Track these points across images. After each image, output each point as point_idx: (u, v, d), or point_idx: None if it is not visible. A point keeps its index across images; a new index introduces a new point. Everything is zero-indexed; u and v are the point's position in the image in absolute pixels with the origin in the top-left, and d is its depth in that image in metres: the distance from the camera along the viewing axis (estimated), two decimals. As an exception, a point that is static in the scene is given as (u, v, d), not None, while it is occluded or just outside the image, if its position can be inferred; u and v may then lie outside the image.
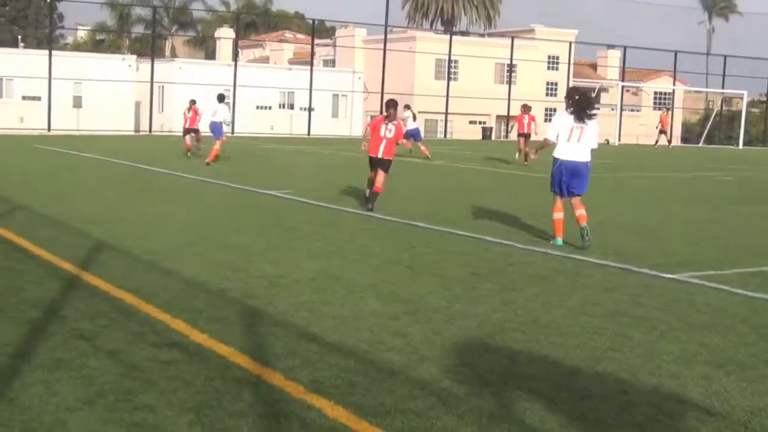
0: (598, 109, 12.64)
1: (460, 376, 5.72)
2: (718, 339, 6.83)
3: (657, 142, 53.57)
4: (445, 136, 57.09)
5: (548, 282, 8.90)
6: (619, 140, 55.94)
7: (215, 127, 25.41)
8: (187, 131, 27.53)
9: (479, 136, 57.14)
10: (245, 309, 7.35)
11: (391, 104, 14.85)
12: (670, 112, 57.11)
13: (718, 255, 11.00)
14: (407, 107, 34.32)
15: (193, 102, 28.35)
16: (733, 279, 9.35)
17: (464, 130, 60.40)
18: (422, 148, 30.26)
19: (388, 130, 14.58)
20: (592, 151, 11.65)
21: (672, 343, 6.66)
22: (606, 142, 59.92)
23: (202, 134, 27.67)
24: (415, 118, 33.74)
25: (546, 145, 12.22)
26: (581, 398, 5.39)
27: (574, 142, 11.43)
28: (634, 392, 5.53)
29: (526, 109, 29.42)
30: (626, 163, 32.23)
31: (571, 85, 66.86)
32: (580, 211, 11.48)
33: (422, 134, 35.54)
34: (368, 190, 14.75)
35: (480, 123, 62.15)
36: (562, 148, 11.52)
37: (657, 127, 53.84)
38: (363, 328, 6.82)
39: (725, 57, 68.76)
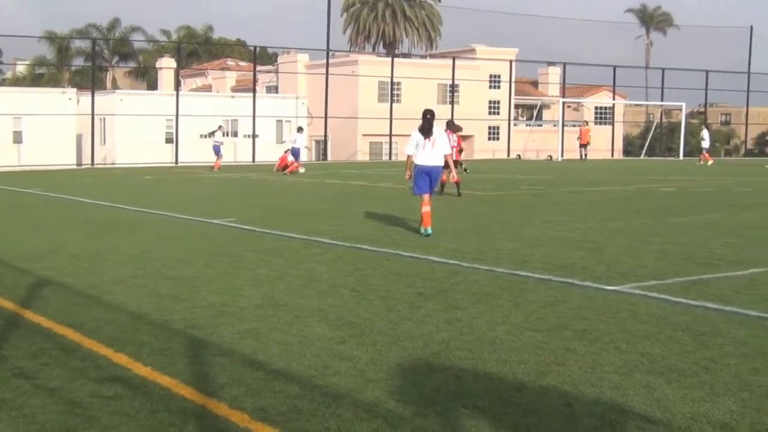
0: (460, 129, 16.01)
1: (406, 397, 5.74)
2: (660, 348, 6.93)
3: (585, 156, 54.08)
4: (390, 158, 57.23)
5: (493, 299, 8.96)
6: (562, 155, 56.51)
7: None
8: None
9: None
10: (190, 339, 7.32)
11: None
12: (589, 126, 57.69)
13: (660, 265, 11.16)
14: (300, 129, 40.58)
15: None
16: (674, 288, 9.49)
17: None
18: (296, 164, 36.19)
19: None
20: (445, 155, 14.84)
21: (614, 354, 6.74)
22: (549, 158, 60.55)
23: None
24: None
25: (410, 161, 14.77)
26: (526, 413, 5.44)
27: (428, 150, 14.50)
28: (578, 404, 5.59)
29: (453, 128, 24.11)
30: (569, 178, 32.59)
31: (513, 102, 67.58)
32: (427, 208, 14.35)
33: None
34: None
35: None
36: (421, 157, 14.50)
37: (578, 139, 54.48)
38: (309, 353, 6.82)
39: (663, 70, 69.88)
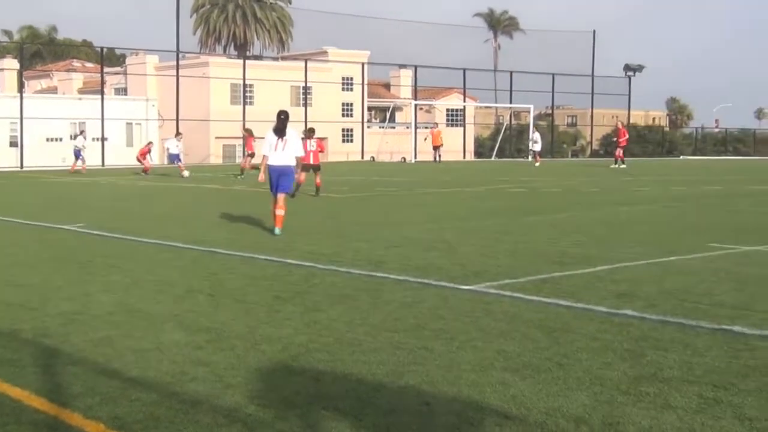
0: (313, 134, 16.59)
1: (266, 401, 5.70)
2: (514, 345, 7.08)
3: (438, 157, 54.76)
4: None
5: (351, 301, 8.98)
6: (415, 158, 57.20)
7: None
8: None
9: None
10: (40, 349, 7.07)
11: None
12: (440, 128, 58.62)
13: (512, 264, 11.40)
14: (179, 134, 41.47)
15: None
16: (526, 286, 9.71)
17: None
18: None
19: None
20: (297, 157, 15.29)
21: (470, 353, 6.85)
22: (403, 160, 61.18)
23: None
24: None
25: (265, 161, 15.18)
26: (385, 413, 5.47)
27: (280, 151, 14.95)
28: (436, 403, 5.65)
29: (310, 133, 25.08)
30: (423, 180, 33.01)
31: (365, 104, 67.96)
32: (280, 212, 14.83)
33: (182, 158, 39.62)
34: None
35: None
36: (273, 157, 14.98)
37: (425, 140, 55.29)
38: (165, 359, 6.69)
39: (511, 73, 71.57)
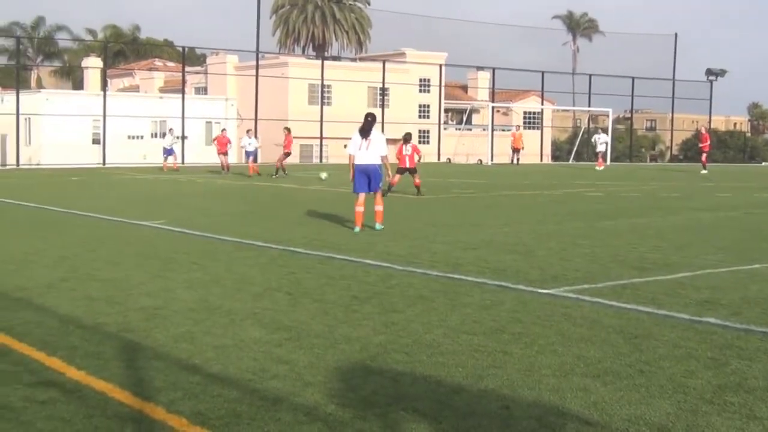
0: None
1: (345, 400, 5.72)
2: (595, 350, 7.00)
3: (517, 160, 54.35)
4: (321, 160, 57.14)
5: (428, 302, 8.98)
6: (492, 160, 56.94)
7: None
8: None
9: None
10: (123, 343, 7.20)
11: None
12: (522, 131, 58.05)
13: (591, 269, 11.29)
14: (249, 131, 41.60)
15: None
16: (605, 291, 9.61)
17: (340, 155, 60.57)
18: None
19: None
20: (382, 156, 15.78)
21: (550, 357, 6.80)
22: (479, 162, 61.00)
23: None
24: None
25: (352, 161, 15.68)
26: (464, 416, 5.45)
27: (364, 150, 15.56)
28: (516, 407, 5.62)
29: (407, 138, 26.00)
30: (499, 182, 32.84)
31: (442, 106, 67.92)
32: (379, 207, 15.84)
33: (258, 157, 40.86)
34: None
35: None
36: (359, 156, 15.60)
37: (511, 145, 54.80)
38: (245, 356, 6.76)
39: (590, 76, 70.82)
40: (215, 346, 7.06)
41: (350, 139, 15.86)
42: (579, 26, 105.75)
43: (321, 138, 57.19)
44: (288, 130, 36.60)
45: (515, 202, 23.44)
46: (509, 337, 7.44)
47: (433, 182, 31.69)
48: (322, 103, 58.48)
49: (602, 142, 47.29)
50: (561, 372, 6.39)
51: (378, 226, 15.63)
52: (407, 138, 26.02)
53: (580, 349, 7.06)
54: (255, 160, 37.78)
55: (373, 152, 15.69)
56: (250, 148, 38.01)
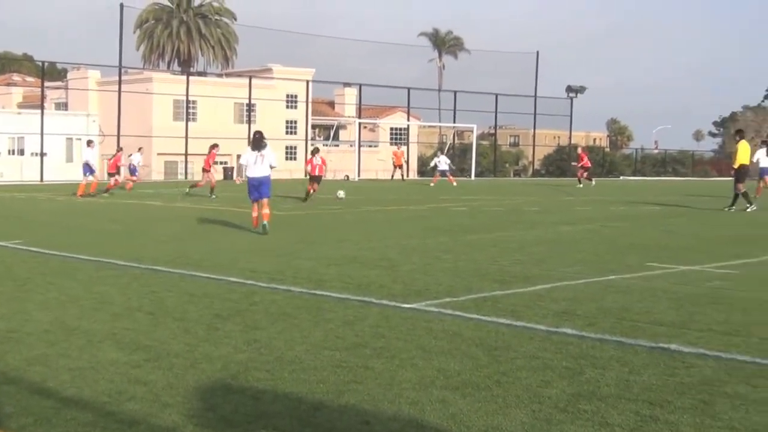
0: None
1: (204, 420, 5.65)
2: (454, 363, 7.10)
3: (393, 176, 55.31)
4: (186, 177, 56.40)
5: (291, 319, 8.95)
6: (359, 176, 57.25)
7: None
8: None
9: (221, 176, 56.89)
10: (-27, 368, 6.94)
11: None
12: (403, 149, 58.86)
13: (453, 282, 11.44)
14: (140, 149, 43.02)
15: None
16: (467, 305, 9.75)
17: (206, 171, 59.93)
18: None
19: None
20: (272, 168, 18.57)
21: (411, 371, 6.85)
22: (346, 178, 61.20)
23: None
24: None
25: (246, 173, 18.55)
26: (325, 432, 5.45)
27: (259, 165, 18.31)
28: (376, 422, 5.65)
29: (315, 151, 31.91)
30: (366, 198, 33.03)
31: (309, 122, 67.91)
32: (266, 210, 18.23)
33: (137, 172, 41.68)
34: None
35: (221, 163, 61.92)
36: (251, 170, 18.37)
37: (392, 162, 55.72)
38: (102, 378, 6.60)
39: (455, 92, 72.05)
40: (70, 369, 6.88)
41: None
42: (445, 44, 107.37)
43: (186, 154, 56.49)
44: (213, 146, 35.06)
45: (380, 218, 23.61)
46: (371, 352, 7.47)
47: (299, 198, 31.66)
48: (188, 120, 57.82)
49: (444, 162, 48.56)
50: (421, 385, 6.45)
51: (266, 223, 17.89)
52: (315, 151, 31.89)
53: (440, 362, 7.14)
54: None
55: (265, 166, 18.33)
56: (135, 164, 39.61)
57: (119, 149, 40.83)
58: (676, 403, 6.04)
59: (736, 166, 26.91)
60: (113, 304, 9.80)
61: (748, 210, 26.22)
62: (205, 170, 34.39)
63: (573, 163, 51.97)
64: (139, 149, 42.56)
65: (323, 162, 31.59)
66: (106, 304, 9.75)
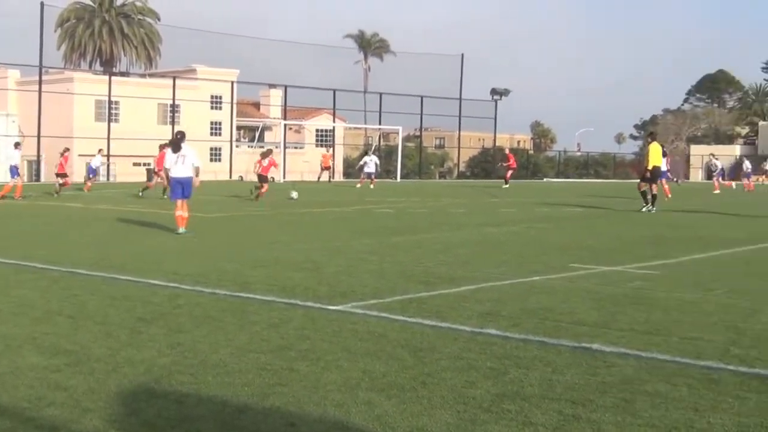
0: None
1: (126, 425, 5.57)
2: (380, 365, 7.10)
3: (319, 178, 55.36)
4: (108, 178, 55.63)
5: (216, 322, 8.87)
6: (284, 177, 57.06)
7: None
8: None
9: (144, 178, 56.23)
10: None
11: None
12: (331, 151, 58.96)
13: (379, 284, 11.46)
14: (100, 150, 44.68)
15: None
16: (392, 306, 9.77)
17: (129, 172, 59.23)
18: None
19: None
20: (195, 167, 18.73)
21: (336, 373, 6.84)
22: (271, 179, 60.91)
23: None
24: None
25: (167, 173, 19.11)
26: (250, 435, 5.41)
27: (180, 165, 18.38)
28: (302, 424, 5.63)
29: (266, 153, 34.11)
30: (290, 201, 32.88)
31: (234, 123, 67.47)
32: (185, 214, 18.30)
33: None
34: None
35: (144, 165, 61.19)
36: (174, 170, 18.49)
37: (320, 164, 55.83)
38: (21, 384, 6.47)
39: (381, 94, 72.21)
40: (-12, 374, 6.73)
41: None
42: (370, 45, 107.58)
43: (108, 156, 55.67)
44: (161, 147, 34.70)
45: (306, 220, 23.55)
46: (296, 355, 7.45)
47: (224, 200, 31.47)
48: (110, 120, 57.03)
49: (373, 163, 48.82)
50: (346, 387, 6.45)
51: (182, 230, 17.96)
52: (265, 153, 34.01)
53: (365, 363, 7.14)
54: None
55: (186, 166, 18.44)
56: (96, 165, 41.07)
57: (65, 150, 40.12)
58: (598, 402, 6.12)
59: (649, 167, 27.52)
60: (33, 307, 9.61)
61: (643, 210, 26.93)
62: (156, 172, 34.07)
63: (502, 164, 52.88)
64: (99, 151, 42.74)
65: (272, 163, 33.93)
66: (26, 308, 9.56)
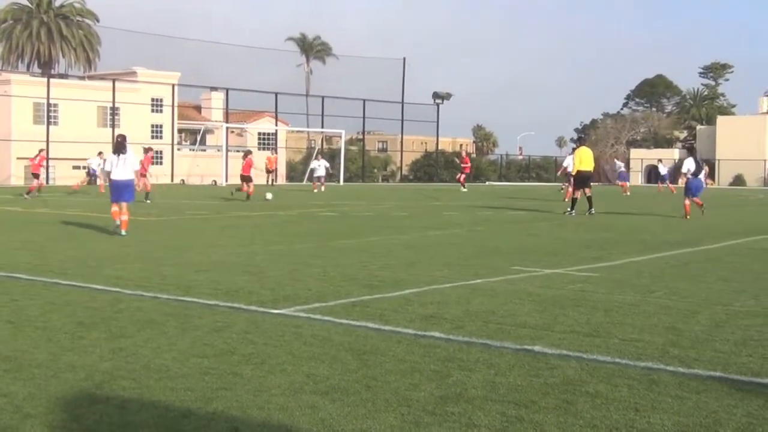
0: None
1: (68, 431, 5.51)
2: (324, 368, 7.10)
3: (272, 181, 55.34)
4: (48, 182, 54.86)
5: (158, 326, 8.80)
6: (227, 181, 56.78)
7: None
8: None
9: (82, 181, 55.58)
10: None
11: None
12: (276, 154, 58.89)
13: (322, 288, 11.45)
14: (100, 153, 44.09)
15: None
16: (336, 309, 9.77)
17: (68, 176, 58.50)
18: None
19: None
20: (135, 171, 19.18)
21: (280, 377, 6.83)
22: (213, 183, 60.57)
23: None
24: None
25: (109, 176, 18.90)
26: (193, 440, 5.38)
27: (121, 167, 18.48)
28: (245, 427, 5.61)
29: (247, 154, 37.51)
30: (234, 204, 32.75)
31: (176, 126, 66.99)
32: (124, 217, 18.51)
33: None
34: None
35: (84, 168, 60.54)
36: (114, 173, 18.52)
37: (265, 167, 55.67)
38: (-41, 391, 6.37)
39: (323, 98, 72.16)
40: (-75, 381, 6.61)
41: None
42: (312, 49, 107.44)
43: (47, 159, 54.91)
44: (145, 150, 36.35)
45: (248, 223, 23.45)
46: (240, 359, 7.42)
47: (165, 204, 31.20)
48: (48, 123, 56.29)
49: (323, 167, 49.24)
50: (290, 391, 6.44)
51: (123, 232, 18.19)
52: (246, 154, 37.07)
53: (309, 367, 7.14)
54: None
55: (127, 169, 18.57)
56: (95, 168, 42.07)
57: (41, 150, 39.76)
58: (540, 403, 6.18)
59: (573, 172, 28.05)
60: (-30, 313, 9.46)
61: (566, 214, 27.41)
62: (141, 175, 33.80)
63: (460, 164, 53.69)
64: (99, 153, 43.33)
65: (249, 163, 36.01)
66: (-37, 314, 9.40)
